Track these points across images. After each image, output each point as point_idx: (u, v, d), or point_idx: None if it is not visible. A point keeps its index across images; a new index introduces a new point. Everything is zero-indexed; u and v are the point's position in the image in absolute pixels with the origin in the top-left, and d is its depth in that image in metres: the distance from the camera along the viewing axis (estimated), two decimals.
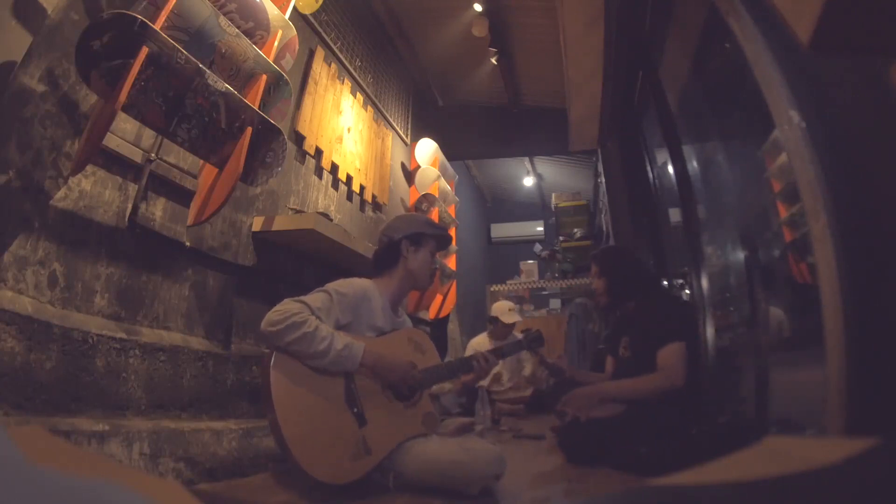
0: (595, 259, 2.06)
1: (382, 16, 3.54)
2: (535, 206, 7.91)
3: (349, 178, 2.89)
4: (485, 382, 3.03)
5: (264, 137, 1.68)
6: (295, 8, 2.03)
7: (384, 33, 3.67)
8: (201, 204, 1.61)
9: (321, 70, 2.65)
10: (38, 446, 0.29)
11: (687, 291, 2.49)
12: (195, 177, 1.72)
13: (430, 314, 3.88)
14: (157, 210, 1.61)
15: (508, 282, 5.49)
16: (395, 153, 3.71)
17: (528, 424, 2.44)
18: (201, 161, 1.67)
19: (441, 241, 1.62)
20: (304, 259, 2.36)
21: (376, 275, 1.56)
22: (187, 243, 1.71)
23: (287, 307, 1.24)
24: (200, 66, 1.42)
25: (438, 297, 3.89)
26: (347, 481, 1.17)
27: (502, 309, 3.30)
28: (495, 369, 2.54)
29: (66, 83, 1.34)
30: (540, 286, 5.47)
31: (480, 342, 3.31)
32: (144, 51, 1.26)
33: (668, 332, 1.63)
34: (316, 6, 2.29)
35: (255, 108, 1.62)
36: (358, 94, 3.10)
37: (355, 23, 3.20)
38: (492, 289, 5.37)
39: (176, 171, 1.66)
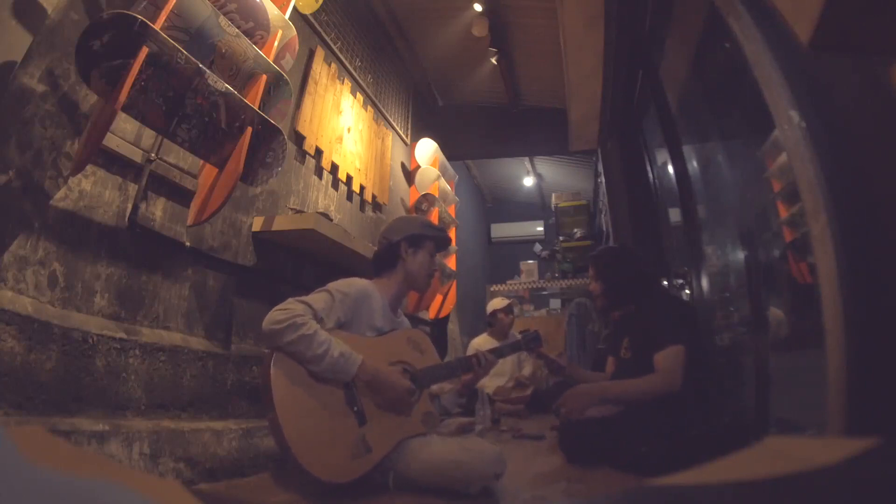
0: (593, 261, 2.02)
1: (382, 16, 3.54)
2: (535, 206, 7.91)
3: (349, 178, 2.89)
4: (487, 383, 3.04)
5: (264, 137, 1.68)
6: (295, 8, 2.03)
7: (384, 33, 3.67)
8: (201, 204, 1.61)
9: (321, 70, 2.65)
10: (38, 446, 0.29)
11: (687, 291, 2.49)
12: (195, 177, 1.72)
13: (430, 314, 3.88)
14: (157, 210, 1.61)
15: (508, 282, 5.49)
16: (395, 153, 3.71)
17: (528, 424, 2.44)
18: (201, 161, 1.67)
19: (440, 242, 1.63)
20: (304, 259, 2.35)
21: (376, 276, 1.57)
22: (187, 243, 1.71)
23: (290, 307, 1.25)
24: (200, 66, 1.42)
25: (438, 297, 3.89)
26: (348, 480, 1.17)
27: (496, 302, 3.34)
28: (494, 370, 2.54)
29: (66, 83, 1.34)
30: (540, 286, 5.47)
31: (482, 342, 3.31)
32: (144, 51, 1.26)
33: (667, 334, 1.62)
34: (316, 6, 2.29)
35: (255, 108, 1.62)
36: (358, 94, 3.10)
37: (355, 23, 3.20)
38: (492, 289, 5.37)
39: (176, 171, 1.66)
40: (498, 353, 1.68)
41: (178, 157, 1.69)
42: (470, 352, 3.09)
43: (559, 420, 1.78)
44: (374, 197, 3.19)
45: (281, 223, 2.06)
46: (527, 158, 6.38)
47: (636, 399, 1.58)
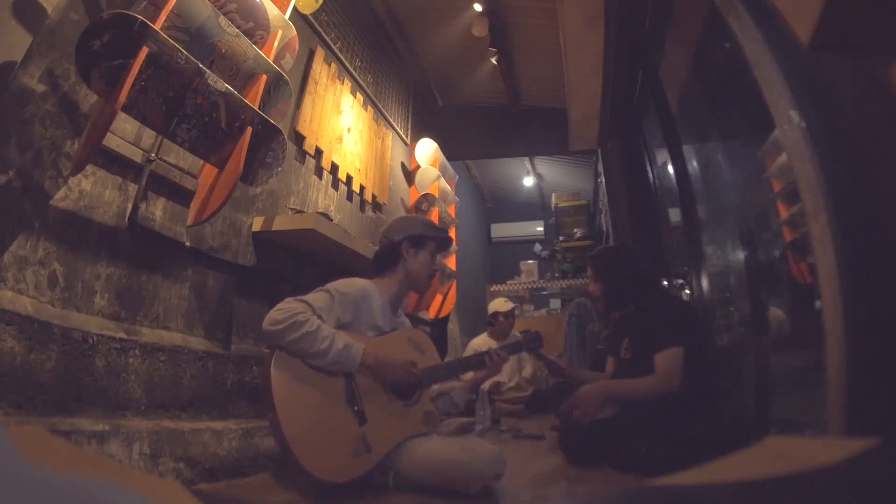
0: (591, 261, 2.00)
1: (382, 16, 3.54)
2: (535, 206, 7.91)
3: (349, 178, 2.89)
4: (485, 385, 3.04)
5: (264, 137, 1.68)
6: (295, 8, 2.03)
7: (384, 33, 3.67)
8: (201, 204, 1.61)
9: (321, 70, 2.65)
10: (38, 446, 0.29)
11: (687, 291, 2.49)
12: (195, 177, 1.72)
13: (430, 314, 3.88)
14: (157, 210, 1.61)
15: (508, 282, 5.48)
16: (395, 153, 3.71)
17: (528, 424, 2.43)
18: (201, 161, 1.67)
19: (441, 242, 1.62)
20: (304, 259, 2.35)
21: (377, 276, 1.56)
22: (187, 243, 1.71)
23: (290, 306, 1.25)
24: (200, 66, 1.42)
25: (438, 297, 3.89)
26: (348, 479, 1.17)
27: (498, 303, 3.32)
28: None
29: (66, 83, 1.34)
30: (540, 286, 5.46)
31: (481, 342, 3.30)
32: (144, 51, 1.26)
33: (667, 336, 1.62)
34: (316, 6, 2.29)
35: (255, 108, 1.62)
36: (358, 94, 3.10)
37: (355, 23, 3.20)
38: (492, 289, 5.36)
39: (176, 171, 1.66)
40: (505, 351, 1.69)
41: (178, 157, 1.68)
42: (469, 352, 3.09)
43: (566, 419, 1.77)
44: (374, 197, 3.18)
45: (281, 223, 2.06)
46: (527, 158, 6.38)
47: (635, 399, 1.58)
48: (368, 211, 3.16)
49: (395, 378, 1.34)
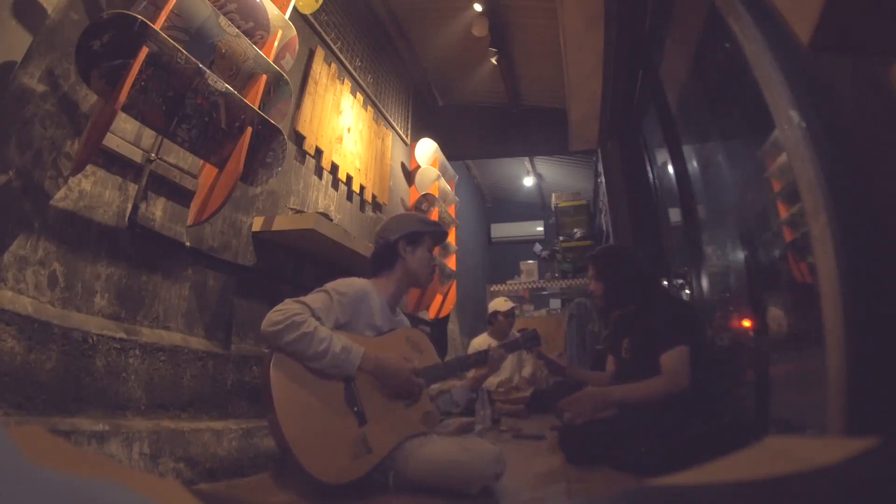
0: (592, 260, 2.00)
1: (382, 16, 3.54)
2: (535, 206, 7.91)
3: (349, 178, 2.89)
4: (489, 381, 3.04)
5: (264, 137, 1.68)
6: (295, 8, 2.03)
7: (384, 33, 3.67)
8: (201, 204, 1.61)
9: (321, 70, 2.65)
10: (38, 446, 0.29)
11: (687, 291, 2.49)
12: (195, 177, 1.72)
13: (430, 314, 3.88)
14: (157, 210, 1.61)
15: (508, 282, 5.49)
16: (395, 153, 3.71)
17: (528, 424, 2.44)
18: (201, 161, 1.67)
19: (437, 236, 1.62)
20: (304, 259, 2.35)
21: (374, 276, 1.56)
22: (187, 243, 1.71)
23: (288, 307, 1.25)
24: (200, 66, 1.42)
25: (438, 297, 3.89)
26: (349, 480, 1.17)
27: (498, 302, 3.33)
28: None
29: (66, 83, 1.34)
30: (540, 286, 5.47)
31: (481, 342, 3.31)
32: (144, 51, 1.26)
33: (671, 335, 1.61)
34: (316, 6, 2.29)
35: (255, 108, 1.62)
36: (358, 94, 3.10)
37: (355, 23, 3.20)
38: (492, 289, 5.37)
39: (176, 171, 1.66)
40: (505, 350, 1.69)
41: (178, 157, 1.68)
42: (470, 351, 3.10)
43: (562, 419, 1.77)
44: (374, 197, 3.19)
45: (281, 223, 2.06)
46: (527, 158, 6.38)
47: (644, 401, 1.57)
48: (368, 211, 3.16)
49: (395, 386, 1.33)
